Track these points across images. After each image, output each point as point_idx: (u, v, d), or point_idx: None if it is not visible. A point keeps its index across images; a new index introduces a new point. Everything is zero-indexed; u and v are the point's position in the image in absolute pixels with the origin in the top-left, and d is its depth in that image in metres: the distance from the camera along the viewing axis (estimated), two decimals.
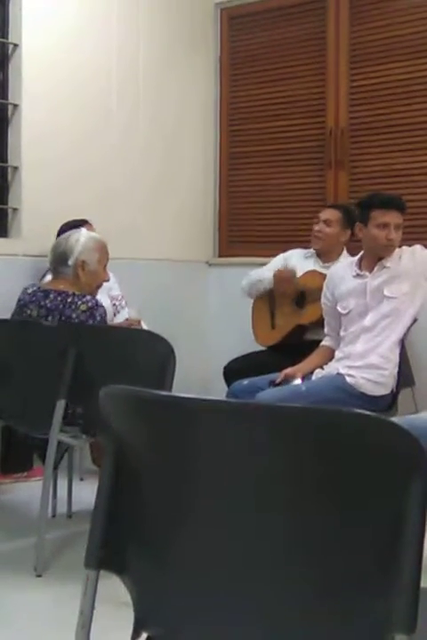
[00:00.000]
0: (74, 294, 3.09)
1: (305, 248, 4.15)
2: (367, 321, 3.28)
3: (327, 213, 4.03)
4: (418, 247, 3.36)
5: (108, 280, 3.37)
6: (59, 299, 3.09)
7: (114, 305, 4.03)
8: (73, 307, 3.05)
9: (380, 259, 3.31)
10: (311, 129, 4.69)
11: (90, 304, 3.06)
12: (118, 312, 4.03)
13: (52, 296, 3.11)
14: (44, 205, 4.06)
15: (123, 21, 4.52)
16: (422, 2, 4.28)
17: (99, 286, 3.28)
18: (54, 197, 4.11)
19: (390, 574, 1.04)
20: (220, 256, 5.09)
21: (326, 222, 4.00)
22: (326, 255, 4.02)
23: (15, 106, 4.12)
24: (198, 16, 4.96)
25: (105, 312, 3.15)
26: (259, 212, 4.93)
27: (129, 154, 4.56)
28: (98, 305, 3.09)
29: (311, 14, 4.69)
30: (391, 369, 3.23)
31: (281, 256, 4.19)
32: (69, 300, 3.07)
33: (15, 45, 4.11)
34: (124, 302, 4.06)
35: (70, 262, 3.15)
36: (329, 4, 4.60)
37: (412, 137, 4.33)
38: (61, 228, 3.93)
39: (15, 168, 4.13)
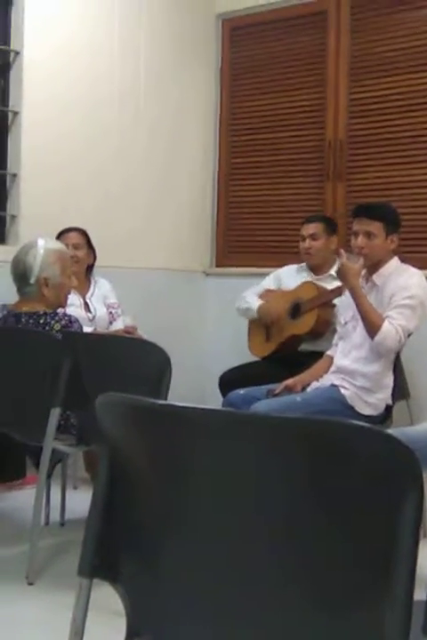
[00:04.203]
0: (45, 314, 3.05)
1: (298, 263, 4.16)
2: (356, 337, 3.27)
3: (311, 228, 4.02)
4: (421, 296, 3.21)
5: (75, 285, 3.32)
6: (31, 321, 3.05)
7: (110, 313, 4.03)
8: (47, 328, 3.01)
9: (372, 272, 3.30)
10: (310, 141, 4.70)
11: (63, 322, 3.02)
12: (115, 320, 4.03)
13: (23, 319, 3.06)
14: (43, 213, 4.06)
15: (124, 31, 4.53)
16: (422, 16, 4.31)
17: (67, 296, 3.22)
18: (53, 205, 4.12)
19: (384, 587, 1.04)
20: (217, 266, 5.10)
21: (313, 237, 3.99)
22: (319, 268, 4.04)
23: (15, 113, 4.13)
24: (200, 26, 4.98)
25: (80, 326, 3.12)
26: (256, 222, 4.93)
27: (128, 163, 4.57)
28: (72, 321, 3.05)
29: (312, 27, 4.71)
30: (385, 393, 3.21)
31: (272, 275, 4.21)
32: (42, 321, 3.03)
33: (17, 53, 4.12)
34: (120, 310, 4.05)
35: (32, 281, 3.08)
36: (330, 16, 4.62)
37: (410, 150, 4.34)
38: (58, 236, 3.93)
39: (14, 175, 4.14)
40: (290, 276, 4.12)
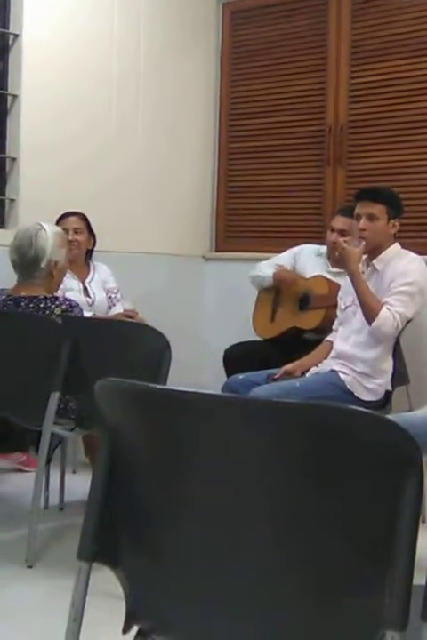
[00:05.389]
0: (46, 298, 3.05)
1: (318, 244, 4.06)
2: (356, 322, 3.27)
3: (340, 222, 3.80)
4: (419, 279, 3.21)
5: (68, 267, 3.35)
6: (31, 305, 3.04)
7: (109, 297, 4.02)
8: (48, 312, 3.01)
9: (372, 257, 3.30)
10: (311, 125, 4.69)
11: (64, 306, 3.03)
12: (114, 305, 4.03)
13: (23, 304, 3.06)
14: (42, 197, 4.05)
15: (124, 13, 4.50)
16: (424, 0, 4.28)
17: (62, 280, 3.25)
18: (52, 189, 4.10)
19: (383, 571, 1.04)
20: (216, 250, 5.09)
21: (342, 233, 3.75)
22: (338, 261, 3.94)
23: (14, 96, 4.11)
24: (200, 10, 4.95)
25: (81, 311, 3.14)
26: (256, 207, 4.92)
27: (128, 146, 4.55)
28: (72, 306, 3.06)
29: (313, 10, 4.68)
30: (384, 379, 3.21)
31: (291, 251, 4.10)
32: (42, 305, 3.03)
33: (16, 36, 4.10)
34: (119, 295, 4.05)
35: (43, 265, 3.08)
36: (331, 0, 4.59)
37: (411, 135, 4.32)
38: (58, 219, 3.92)
39: (13, 159, 4.12)
40: (307, 258, 4.02)
